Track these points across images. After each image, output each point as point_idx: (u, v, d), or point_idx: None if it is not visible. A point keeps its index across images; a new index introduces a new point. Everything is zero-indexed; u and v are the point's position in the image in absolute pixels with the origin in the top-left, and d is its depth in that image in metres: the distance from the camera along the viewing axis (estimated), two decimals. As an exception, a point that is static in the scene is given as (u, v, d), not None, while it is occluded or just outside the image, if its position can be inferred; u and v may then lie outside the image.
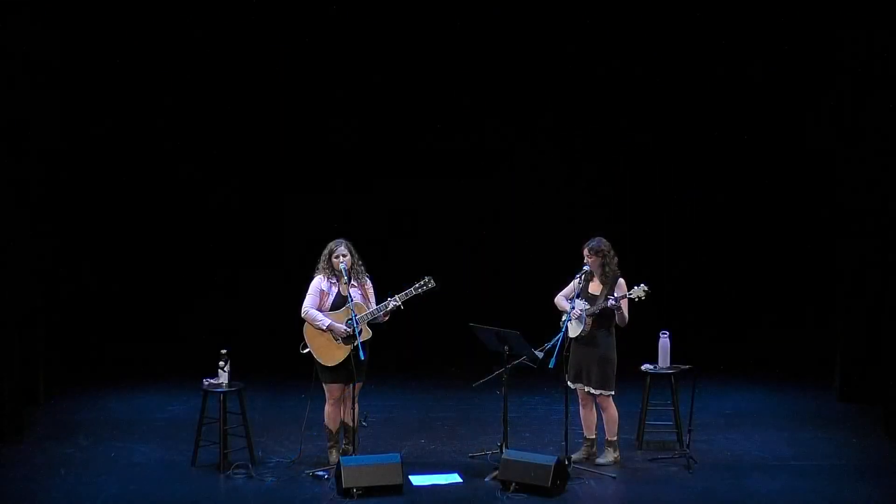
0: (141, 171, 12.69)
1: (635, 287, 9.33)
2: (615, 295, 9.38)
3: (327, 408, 9.52)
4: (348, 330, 9.27)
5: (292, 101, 12.77)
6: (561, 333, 9.38)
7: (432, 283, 9.28)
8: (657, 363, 10.03)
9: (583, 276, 9.50)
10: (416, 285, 9.27)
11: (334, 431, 9.55)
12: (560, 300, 9.63)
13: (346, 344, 9.31)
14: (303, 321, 9.41)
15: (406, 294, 9.26)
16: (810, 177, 12.45)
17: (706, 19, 12.29)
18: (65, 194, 12.18)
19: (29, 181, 10.98)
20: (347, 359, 9.28)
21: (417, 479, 9.26)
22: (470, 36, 12.52)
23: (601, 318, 9.45)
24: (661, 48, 12.49)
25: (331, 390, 9.46)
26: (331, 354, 9.35)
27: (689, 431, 9.77)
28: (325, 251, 9.44)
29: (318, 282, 9.44)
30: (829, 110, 11.80)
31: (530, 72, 12.67)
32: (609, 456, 9.64)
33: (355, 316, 9.22)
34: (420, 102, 12.72)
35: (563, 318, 9.47)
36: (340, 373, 9.36)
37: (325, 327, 9.32)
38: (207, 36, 12.41)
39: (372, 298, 9.47)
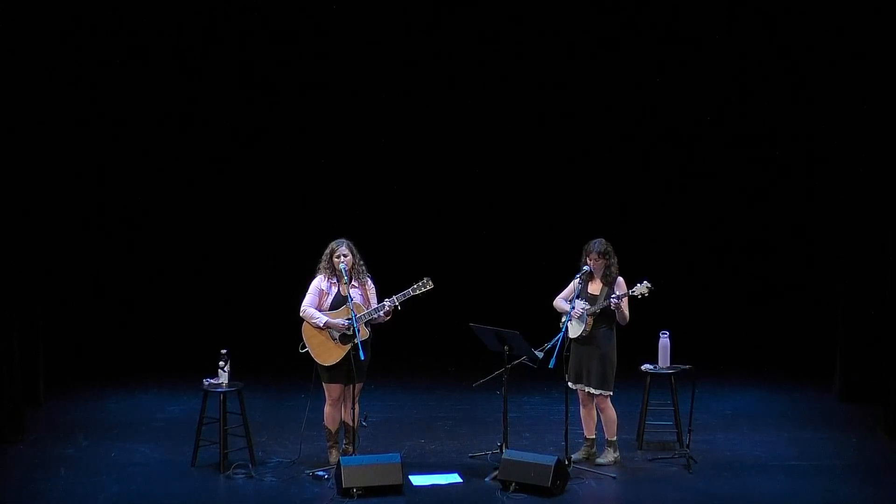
0: (140, 170, 12.69)
1: (638, 284, 9.34)
2: (616, 294, 9.39)
3: (327, 408, 9.51)
4: (345, 326, 9.26)
5: (292, 101, 12.78)
6: (561, 334, 9.38)
7: (430, 285, 9.28)
8: (657, 363, 10.03)
9: (582, 277, 9.51)
10: (414, 286, 9.27)
11: (334, 431, 9.55)
12: (559, 302, 9.63)
13: (343, 344, 9.31)
14: (302, 320, 9.41)
15: (403, 295, 9.25)
16: (810, 177, 12.46)
17: (702, 16, 12.34)
18: (64, 194, 12.19)
19: (27, 181, 10.97)
20: (345, 359, 9.27)
21: (417, 479, 9.26)
22: (468, 34, 12.53)
23: (601, 317, 9.46)
24: (661, 45, 12.51)
25: (330, 390, 9.45)
26: (328, 354, 9.34)
27: (689, 431, 9.77)
28: (327, 251, 9.44)
29: (318, 281, 9.44)
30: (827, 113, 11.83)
31: (530, 71, 12.67)
32: (609, 456, 9.64)
33: (355, 316, 9.22)
34: (420, 102, 12.71)
35: (563, 318, 9.47)
36: (340, 373, 9.36)
37: (322, 325, 9.31)
38: (205, 33, 12.42)
39: (373, 298, 9.46)
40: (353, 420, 9.40)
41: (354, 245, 9.45)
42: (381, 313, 9.29)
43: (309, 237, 10.09)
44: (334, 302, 9.40)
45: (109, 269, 12.79)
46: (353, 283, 9.38)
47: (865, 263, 11.29)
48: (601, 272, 9.50)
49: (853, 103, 11.21)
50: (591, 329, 9.46)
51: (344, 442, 9.54)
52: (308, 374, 9.49)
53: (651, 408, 10.06)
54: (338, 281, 9.40)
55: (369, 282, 9.51)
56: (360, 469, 8.94)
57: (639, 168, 12.88)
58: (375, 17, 12.45)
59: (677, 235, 12.87)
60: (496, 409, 9.73)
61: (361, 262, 9.48)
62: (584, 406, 9.69)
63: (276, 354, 10.67)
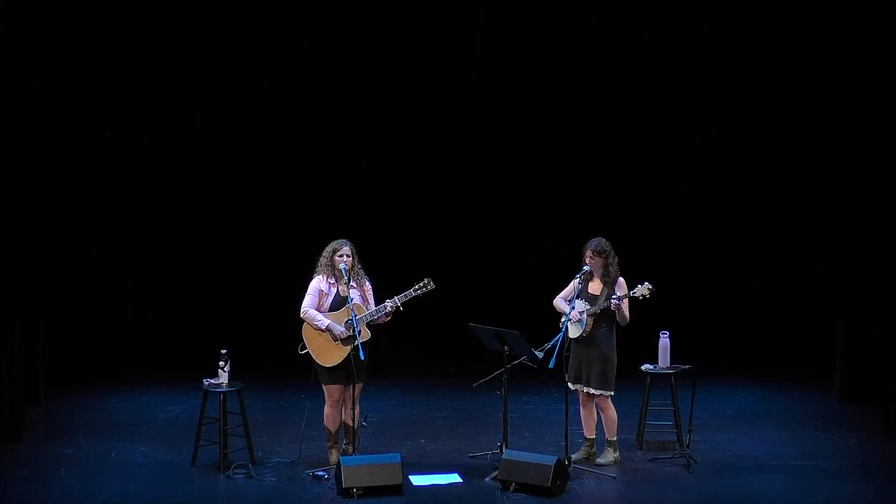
0: (139, 170, 12.69)
1: (639, 286, 9.33)
2: (617, 294, 9.39)
3: (327, 409, 9.51)
4: (346, 331, 9.26)
5: (292, 101, 12.78)
6: (561, 333, 9.38)
7: (431, 285, 9.28)
8: (657, 363, 10.03)
9: (582, 277, 9.50)
10: (416, 287, 9.27)
11: (334, 432, 9.54)
12: (559, 302, 9.63)
13: (344, 345, 9.31)
14: (302, 321, 9.41)
15: (405, 295, 9.26)
16: (810, 176, 12.46)
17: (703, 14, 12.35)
18: (64, 194, 12.19)
19: (27, 181, 10.97)
20: (346, 359, 9.27)
21: (417, 479, 9.26)
22: (468, 33, 12.53)
23: (601, 317, 9.45)
24: (661, 42, 12.52)
25: (330, 391, 9.45)
26: (329, 355, 9.34)
27: (689, 431, 9.78)
28: (328, 250, 9.42)
29: (318, 282, 9.43)
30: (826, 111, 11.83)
31: (530, 71, 12.68)
32: (609, 456, 9.64)
33: (355, 316, 9.22)
34: (419, 102, 12.72)
35: (563, 318, 9.47)
36: (340, 374, 9.35)
37: (323, 327, 9.31)
38: (205, 33, 12.42)
39: (371, 299, 9.46)
40: (354, 420, 9.40)
41: (354, 245, 9.45)
42: (382, 314, 9.29)
43: (309, 237, 10.08)
44: (334, 303, 9.39)
45: (109, 269, 12.78)
46: (351, 283, 9.38)
47: (865, 264, 11.29)
48: (600, 271, 9.50)
49: (853, 103, 11.21)
50: (592, 329, 9.46)
51: (344, 442, 9.54)
52: (308, 374, 9.49)
53: (651, 408, 10.05)
54: (337, 281, 9.40)
55: (367, 283, 9.51)
56: (360, 469, 8.95)
57: (640, 168, 12.88)
58: (375, 17, 12.45)
59: (678, 235, 12.86)
60: (496, 409, 9.73)
61: (359, 264, 9.48)
62: (584, 406, 9.69)
63: (276, 354, 10.66)
